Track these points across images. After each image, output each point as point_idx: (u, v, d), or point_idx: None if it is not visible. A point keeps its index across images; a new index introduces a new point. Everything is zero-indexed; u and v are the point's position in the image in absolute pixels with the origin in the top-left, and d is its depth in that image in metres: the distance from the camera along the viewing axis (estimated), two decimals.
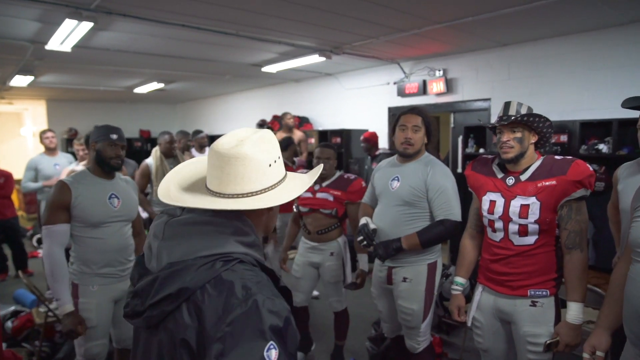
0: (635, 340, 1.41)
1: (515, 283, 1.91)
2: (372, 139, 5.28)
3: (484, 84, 5.11)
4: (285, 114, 6.38)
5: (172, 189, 1.02)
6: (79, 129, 10.03)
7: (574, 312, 1.78)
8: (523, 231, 1.87)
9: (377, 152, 5.38)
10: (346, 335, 3.24)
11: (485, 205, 1.98)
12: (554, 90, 4.48)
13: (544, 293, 1.88)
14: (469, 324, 2.11)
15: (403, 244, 2.30)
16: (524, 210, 1.85)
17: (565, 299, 1.84)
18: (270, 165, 0.97)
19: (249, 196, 0.95)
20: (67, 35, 3.97)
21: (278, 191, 0.99)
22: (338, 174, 3.05)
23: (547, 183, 1.82)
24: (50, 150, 4.81)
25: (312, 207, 2.98)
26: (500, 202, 1.92)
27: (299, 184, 1.05)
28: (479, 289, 2.09)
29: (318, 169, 1.12)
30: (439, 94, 5.54)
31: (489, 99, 5.06)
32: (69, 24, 3.61)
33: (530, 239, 1.88)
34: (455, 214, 2.31)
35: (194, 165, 1.11)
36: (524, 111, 1.87)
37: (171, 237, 0.94)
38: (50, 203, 2.21)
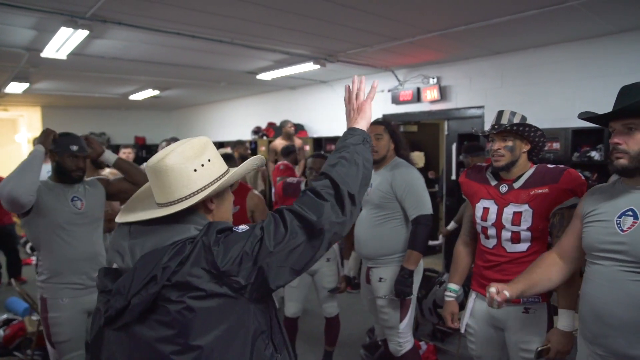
0: (592, 338, 1.47)
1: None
2: None
3: (477, 92, 5.15)
4: (286, 122, 6.48)
5: (125, 211, 1.16)
6: None
7: (565, 319, 1.79)
8: (515, 238, 1.89)
9: None
10: (336, 341, 3.23)
11: (478, 212, 2.00)
12: (546, 98, 4.52)
13: (536, 300, 1.89)
14: (463, 330, 2.11)
15: (410, 267, 2.43)
16: (517, 217, 1.87)
17: (557, 306, 1.85)
18: (195, 169, 1.08)
19: (180, 202, 1.06)
20: (63, 43, 3.98)
21: (209, 190, 1.10)
22: None
23: (539, 191, 1.85)
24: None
25: None
26: (493, 209, 1.94)
27: (227, 178, 1.15)
28: (472, 296, 2.10)
29: (251, 161, 1.23)
30: (433, 102, 5.58)
31: (482, 107, 5.10)
32: (64, 32, 3.63)
33: (523, 246, 1.90)
34: (426, 208, 2.47)
35: (144, 187, 1.25)
36: (516, 120, 1.89)
37: (139, 235, 1.07)
38: None
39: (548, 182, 1.84)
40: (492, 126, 1.94)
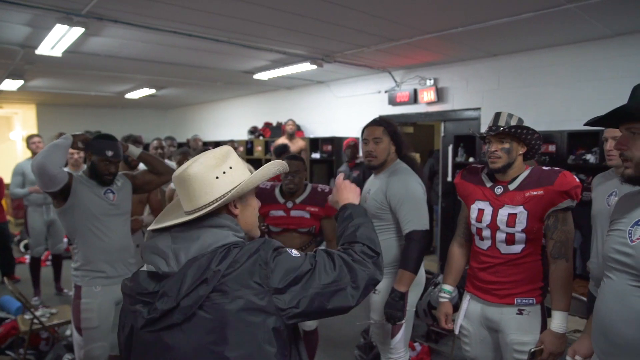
0: (600, 354, 1.42)
1: (502, 292, 1.93)
2: (357, 145, 5.29)
3: (474, 94, 5.16)
4: (287, 121, 6.61)
5: (157, 222, 1.22)
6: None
7: (558, 320, 1.79)
8: (510, 240, 1.89)
9: (358, 160, 5.39)
10: (314, 356, 3.01)
11: (473, 214, 2.00)
12: (542, 100, 4.53)
13: (531, 301, 1.89)
14: (457, 332, 2.12)
15: (401, 289, 2.16)
16: (512, 219, 1.87)
17: (551, 308, 1.86)
18: (217, 177, 1.14)
19: (205, 208, 1.12)
20: (58, 40, 3.95)
21: (232, 194, 1.16)
22: (309, 187, 2.79)
23: (534, 193, 1.85)
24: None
25: (286, 227, 2.71)
26: (488, 210, 1.94)
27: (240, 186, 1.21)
28: (466, 298, 2.10)
29: (270, 165, 1.27)
30: (429, 103, 5.59)
31: (479, 109, 5.11)
32: (59, 29, 3.60)
33: (517, 248, 1.90)
34: (422, 223, 2.19)
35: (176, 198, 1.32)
36: (514, 122, 1.90)
37: (182, 240, 1.12)
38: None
39: (543, 184, 1.84)
40: (490, 128, 1.94)
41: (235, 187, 1.16)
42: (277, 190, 2.79)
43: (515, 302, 1.89)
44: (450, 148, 5.35)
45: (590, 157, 4.04)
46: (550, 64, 4.47)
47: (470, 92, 5.21)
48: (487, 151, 1.95)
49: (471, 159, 5.08)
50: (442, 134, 5.70)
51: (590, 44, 4.17)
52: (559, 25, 3.72)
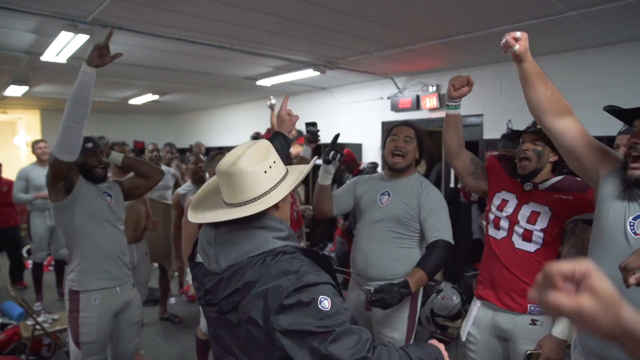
0: (594, 349, 1.44)
1: (514, 295, 1.89)
2: (348, 157, 5.18)
3: (476, 100, 5.16)
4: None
5: (195, 210, 1.24)
6: None
7: (561, 325, 1.77)
8: (527, 237, 1.88)
9: (361, 167, 5.37)
10: None
11: (496, 201, 1.99)
12: None
13: (544, 311, 1.86)
14: (464, 338, 2.09)
15: (412, 285, 1.98)
16: (534, 216, 1.87)
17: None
18: (265, 172, 1.16)
19: (253, 201, 1.14)
20: (63, 47, 3.98)
21: (278, 190, 1.18)
22: None
23: (564, 196, 1.85)
24: (42, 161, 4.76)
25: None
26: (512, 202, 1.93)
27: (290, 180, 1.23)
28: (476, 304, 2.07)
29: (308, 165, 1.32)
30: (432, 109, 5.59)
31: (481, 115, 5.11)
32: (64, 36, 3.63)
33: (532, 247, 1.88)
34: (449, 235, 2.13)
35: (208, 185, 1.35)
36: None
37: (223, 243, 1.15)
38: None
39: (575, 191, 1.84)
40: (527, 127, 1.95)
41: (279, 180, 1.19)
42: None
43: (529, 309, 1.87)
44: None
45: None
46: (552, 71, 4.42)
47: (472, 99, 5.18)
48: (519, 151, 1.95)
49: None
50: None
51: (591, 50, 4.17)
52: (560, 33, 3.73)
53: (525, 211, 1.89)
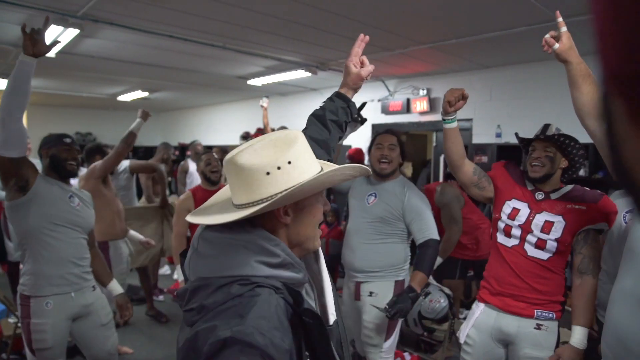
0: (613, 358, 1.43)
1: (522, 301, 1.90)
2: (356, 155, 5.27)
3: (466, 105, 5.13)
4: (279, 128, 6.53)
5: (199, 210, 1.04)
6: None
7: (580, 335, 1.77)
8: (540, 245, 1.88)
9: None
10: None
11: (507, 210, 1.98)
12: (533, 113, 4.58)
13: (550, 315, 1.88)
14: (462, 340, 2.08)
15: (416, 287, 2.23)
16: (548, 226, 1.87)
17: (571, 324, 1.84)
18: (268, 173, 0.89)
19: (249, 206, 0.90)
20: (52, 41, 3.92)
21: (281, 200, 0.89)
22: None
23: (577, 206, 1.85)
24: None
25: None
26: (524, 211, 1.93)
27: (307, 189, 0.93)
28: (479, 307, 2.06)
29: (348, 167, 1.00)
30: (422, 113, 5.63)
31: (471, 119, 5.15)
32: (54, 30, 3.58)
33: (544, 255, 1.89)
34: (435, 233, 2.35)
35: (222, 191, 1.11)
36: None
37: (202, 250, 0.92)
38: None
39: (588, 201, 1.85)
40: (537, 135, 1.95)
41: (288, 189, 0.89)
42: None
43: (535, 314, 1.87)
44: (442, 158, 5.38)
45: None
46: (542, 77, 4.53)
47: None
48: (529, 158, 1.95)
49: None
50: (434, 144, 5.74)
51: (582, 58, 4.22)
52: None
53: (538, 221, 1.88)
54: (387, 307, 2.18)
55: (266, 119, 5.27)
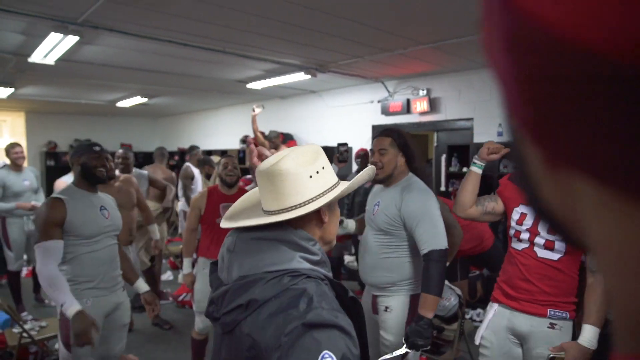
0: None
1: (534, 302, 1.90)
2: (365, 156, 5.20)
3: (466, 104, 5.21)
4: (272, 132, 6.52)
5: (228, 217, 1.12)
6: (58, 142, 9.84)
7: (589, 334, 1.75)
8: (549, 246, 1.89)
9: None
10: None
11: (515, 216, 2.00)
12: None
13: (564, 315, 1.87)
14: (478, 342, 2.08)
15: (428, 314, 2.03)
16: None
17: (581, 322, 1.82)
18: (311, 176, 1.01)
19: (293, 209, 0.99)
20: (52, 48, 3.92)
21: (324, 199, 1.01)
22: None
23: None
24: (17, 166, 4.36)
25: None
26: (531, 214, 1.95)
27: (337, 190, 1.06)
28: (493, 308, 2.07)
29: (365, 172, 1.17)
30: (422, 113, 5.62)
31: (471, 119, 5.15)
32: (54, 37, 3.58)
33: (555, 255, 1.89)
34: (440, 242, 2.08)
35: (247, 197, 1.20)
36: None
37: (242, 250, 1.00)
38: (44, 220, 2.17)
39: None
40: None
41: (327, 189, 1.03)
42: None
43: (548, 313, 1.87)
44: (443, 158, 5.38)
45: None
46: None
47: (462, 103, 5.26)
48: None
49: (465, 169, 5.11)
50: (435, 144, 5.74)
51: None
52: None
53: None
54: (402, 342, 2.05)
55: (255, 124, 5.26)
